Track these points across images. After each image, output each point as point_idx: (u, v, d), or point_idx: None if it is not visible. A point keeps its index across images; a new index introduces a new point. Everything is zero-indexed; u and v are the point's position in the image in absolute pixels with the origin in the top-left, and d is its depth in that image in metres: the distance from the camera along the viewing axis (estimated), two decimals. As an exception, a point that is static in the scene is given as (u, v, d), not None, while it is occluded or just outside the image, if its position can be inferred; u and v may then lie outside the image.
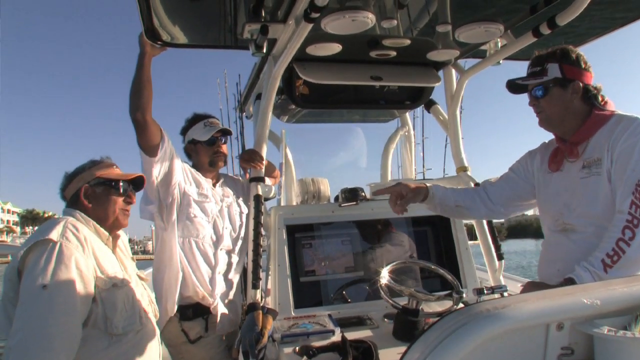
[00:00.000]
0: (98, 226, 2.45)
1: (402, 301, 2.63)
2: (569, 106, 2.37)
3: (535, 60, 2.45)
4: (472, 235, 3.79)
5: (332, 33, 2.71)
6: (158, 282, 3.10)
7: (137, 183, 2.65)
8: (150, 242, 56.52)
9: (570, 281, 2.09)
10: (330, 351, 2.31)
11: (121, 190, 2.51)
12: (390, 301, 2.59)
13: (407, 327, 2.58)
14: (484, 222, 3.64)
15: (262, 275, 3.03)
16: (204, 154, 3.36)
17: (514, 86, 2.50)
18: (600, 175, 2.25)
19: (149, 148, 2.93)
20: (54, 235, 2.21)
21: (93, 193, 2.49)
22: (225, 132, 3.42)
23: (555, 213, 2.49)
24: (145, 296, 2.60)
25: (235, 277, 3.36)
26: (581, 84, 2.37)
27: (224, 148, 3.41)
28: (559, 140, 2.49)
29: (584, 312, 1.38)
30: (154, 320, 2.62)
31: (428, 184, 2.88)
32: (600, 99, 2.42)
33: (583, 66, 2.39)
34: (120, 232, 2.63)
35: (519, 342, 1.35)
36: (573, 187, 2.39)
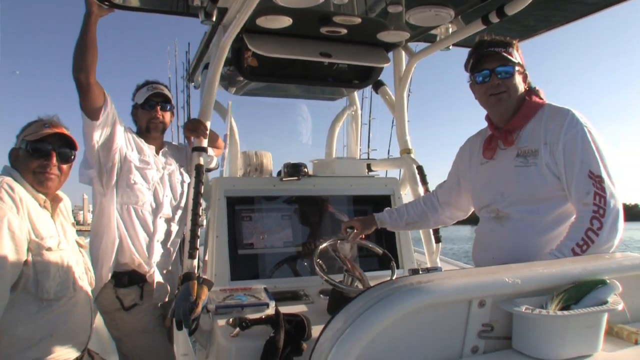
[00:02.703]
0: (32, 189, 2.38)
1: (338, 278, 2.66)
2: (521, 92, 2.43)
3: (501, 42, 2.44)
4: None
5: (282, 5, 2.69)
6: (95, 247, 3.03)
7: (70, 144, 2.55)
8: (81, 212, 54.61)
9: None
10: (263, 324, 2.32)
11: (31, 151, 2.40)
12: (325, 277, 2.62)
13: (341, 303, 2.61)
14: None
15: (200, 246, 3.01)
16: (142, 118, 3.29)
17: (481, 59, 2.46)
18: (537, 166, 2.30)
19: (91, 111, 2.85)
20: None
21: (17, 156, 2.43)
22: (163, 97, 3.33)
23: (489, 201, 2.53)
24: (81, 263, 2.55)
25: (174, 246, 3.32)
26: (527, 74, 2.45)
27: (164, 115, 3.33)
28: (493, 128, 2.53)
29: (505, 290, 1.43)
30: (88, 288, 2.58)
31: (375, 214, 3.07)
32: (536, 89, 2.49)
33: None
34: (63, 196, 2.56)
35: (441, 317, 1.39)
36: (507, 176, 2.43)
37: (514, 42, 2.45)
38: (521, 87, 2.42)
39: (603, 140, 2.24)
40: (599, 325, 1.49)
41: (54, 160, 2.44)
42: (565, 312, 1.43)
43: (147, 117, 3.28)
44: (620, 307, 1.48)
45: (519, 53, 2.45)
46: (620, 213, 2.13)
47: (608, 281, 1.56)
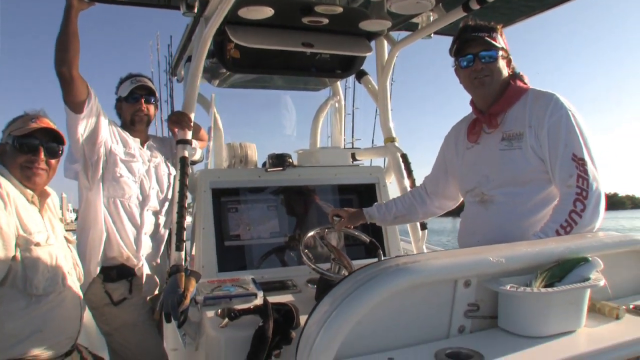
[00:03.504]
0: (19, 184, 2.36)
1: (325, 266, 2.67)
2: (505, 76, 2.45)
3: (484, 27, 2.47)
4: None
5: None
6: (82, 242, 3.01)
7: (57, 139, 2.54)
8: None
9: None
10: (252, 314, 2.33)
11: (18, 147, 2.38)
12: (313, 266, 2.63)
13: (329, 291, 2.62)
14: None
15: (187, 240, 3.01)
16: (126, 111, 3.27)
17: (464, 44, 2.49)
18: (522, 149, 2.33)
19: (74, 104, 2.83)
20: None
21: (4, 152, 2.41)
22: (147, 90, 3.32)
23: (474, 184, 2.56)
24: (69, 258, 2.53)
25: (161, 238, 3.31)
26: (511, 59, 2.48)
27: (148, 107, 3.31)
28: (478, 112, 2.56)
29: (490, 269, 1.45)
30: (77, 283, 2.56)
31: (364, 209, 3.08)
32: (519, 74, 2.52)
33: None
34: (51, 192, 2.54)
35: (428, 297, 1.41)
36: (492, 159, 2.46)
37: (498, 27, 2.47)
38: (505, 71, 2.45)
39: (586, 124, 2.27)
40: (581, 302, 1.52)
41: (42, 155, 2.42)
42: (549, 290, 1.46)
43: (131, 110, 3.26)
44: (602, 283, 1.51)
45: (503, 38, 2.47)
46: (602, 195, 2.16)
47: (590, 259, 1.59)
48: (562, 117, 2.24)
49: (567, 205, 2.16)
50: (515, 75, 2.49)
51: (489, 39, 2.40)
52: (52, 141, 2.48)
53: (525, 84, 2.48)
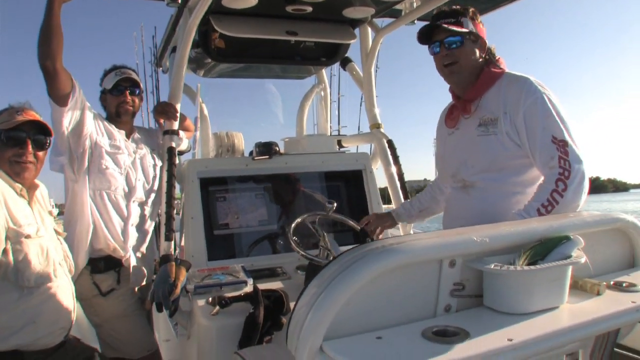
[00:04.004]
0: (7, 177, 2.36)
1: (314, 252, 2.70)
2: (476, 61, 2.46)
3: (449, 13, 2.47)
4: (385, 199, 3.91)
5: None
6: (69, 235, 3.01)
7: (44, 130, 2.53)
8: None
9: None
10: (243, 301, 2.36)
11: (5, 140, 2.38)
12: (301, 252, 2.65)
13: (318, 276, 2.65)
14: (398, 184, 3.76)
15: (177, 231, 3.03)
16: (111, 103, 3.27)
17: (426, 33, 2.52)
18: (497, 135, 2.35)
19: (59, 97, 2.83)
20: None
21: None
22: (132, 82, 3.32)
23: (454, 170, 2.59)
24: (60, 250, 2.55)
25: (148, 229, 3.33)
26: (484, 41, 2.48)
27: (133, 98, 3.31)
28: (455, 98, 2.58)
29: (474, 249, 1.49)
30: (68, 275, 2.58)
31: (390, 210, 3.18)
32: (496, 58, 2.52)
33: (482, 25, 2.50)
34: (40, 184, 2.54)
35: (414, 277, 1.44)
36: (470, 145, 2.49)
37: (470, 10, 2.48)
38: (475, 56, 2.45)
39: (562, 105, 2.29)
40: (564, 279, 1.55)
41: (30, 147, 2.42)
42: (532, 267, 1.49)
43: (116, 102, 3.26)
44: (583, 260, 1.55)
45: (477, 22, 2.47)
46: (585, 175, 2.19)
47: (572, 237, 1.62)
48: (537, 100, 2.26)
49: (550, 184, 2.19)
50: (490, 60, 2.50)
51: (453, 26, 2.40)
52: (39, 133, 2.48)
53: (500, 68, 2.48)
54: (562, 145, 2.19)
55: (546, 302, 1.52)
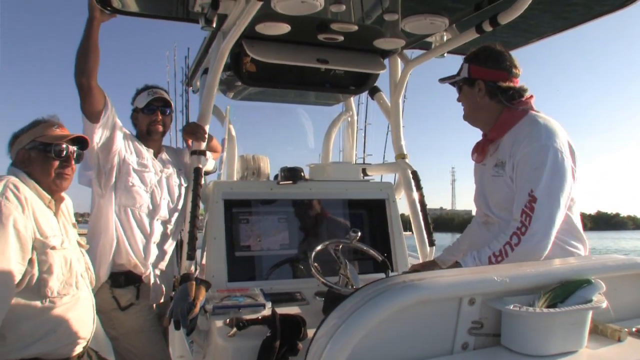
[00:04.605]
0: (39, 188, 2.42)
1: (333, 280, 2.70)
2: (477, 103, 2.50)
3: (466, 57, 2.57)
4: (406, 227, 3.91)
5: (281, 13, 2.73)
6: (92, 248, 3.06)
7: (81, 143, 2.60)
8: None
9: (457, 264, 2.32)
10: (260, 324, 2.36)
11: (54, 154, 2.44)
12: (321, 279, 2.65)
13: (337, 304, 2.65)
14: (420, 213, 3.76)
15: (198, 249, 3.06)
16: (142, 122, 3.35)
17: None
18: (503, 177, 2.38)
19: (91, 114, 2.91)
20: None
21: (28, 157, 2.44)
22: (164, 102, 3.39)
23: (479, 203, 2.63)
24: (82, 262, 2.59)
25: (169, 248, 3.37)
26: (483, 83, 2.47)
27: (164, 118, 3.38)
28: (483, 135, 2.62)
29: (494, 288, 1.49)
30: (89, 287, 2.61)
31: (435, 258, 3.09)
32: (523, 96, 2.48)
33: (494, 65, 2.47)
34: (65, 197, 2.59)
35: (433, 313, 1.44)
36: (488, 183, 2.53)
37: (471, 52, 2.56)
38: (475, 99, 2.50)
39: (568, 159, 2.25)
40: (584, 323, 1.55)
41: (72, 161, 2.51)
42: (552, 310, 1.49)
43: (147, 121, 3.33)
44: (604, 305, 1.54)
45: (476, 65, 2.49)
46: (544, 237, 2.16)
47: (593, 281, 1.62)
48: (535, 149, 2.24)
49: (506, 236, 2.22)
50: (501, 97, 2.47)
51: (446, 79, 2.55)
52: (79, 147, 2.56)
53: (525, 109, 2.44)
54: (530, 201, 2.18)
55: (565, 346, 1.51)
